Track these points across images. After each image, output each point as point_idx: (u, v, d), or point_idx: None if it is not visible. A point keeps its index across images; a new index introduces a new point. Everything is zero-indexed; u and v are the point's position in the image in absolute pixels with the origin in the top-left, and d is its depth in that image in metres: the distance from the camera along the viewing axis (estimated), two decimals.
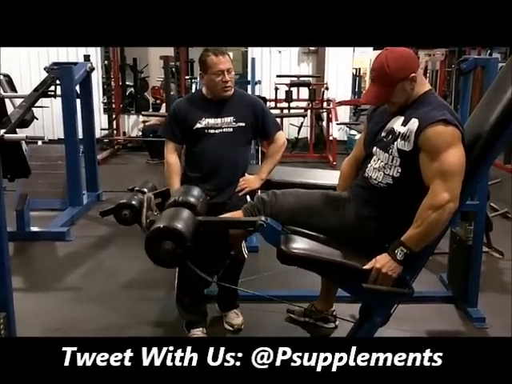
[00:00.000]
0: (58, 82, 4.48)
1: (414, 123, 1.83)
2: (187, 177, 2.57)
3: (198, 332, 2.58)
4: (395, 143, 1.88)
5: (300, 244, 1.90)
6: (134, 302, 3.04)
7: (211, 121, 2.48)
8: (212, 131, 2.48)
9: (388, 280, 1.82)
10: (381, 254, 1.84)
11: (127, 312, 2.91)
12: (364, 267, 1.83)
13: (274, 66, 8.32)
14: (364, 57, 11.59)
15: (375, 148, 1.98)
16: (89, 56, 5.98)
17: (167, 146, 2.57)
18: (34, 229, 4.08)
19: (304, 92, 7.36)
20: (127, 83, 8.86)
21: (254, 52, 8.24)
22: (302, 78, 7.51)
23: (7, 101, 4.78)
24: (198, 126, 2.48)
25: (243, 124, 2.50)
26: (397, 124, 1.90)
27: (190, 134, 2.51)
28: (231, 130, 2.49)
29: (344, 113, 8.39)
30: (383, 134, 1.94)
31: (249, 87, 6.99)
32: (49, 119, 7.07)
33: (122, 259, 3.71)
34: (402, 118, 1.89)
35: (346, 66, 8.55)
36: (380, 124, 1.99)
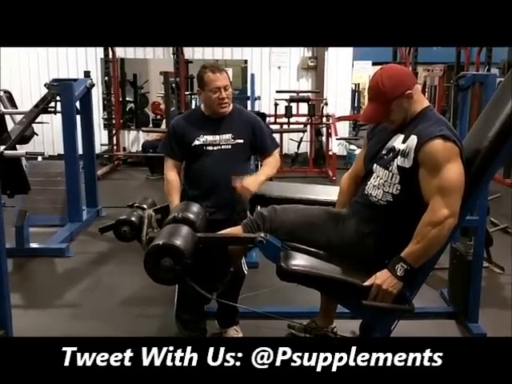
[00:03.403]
0: (58, 98, 4.50)
1: (413, 140, 1.84)
2: (187, 194, 2.57)
3: None
4: (395, 160, 1.89)
5: (299, 261, 1.90)
6: (133, 319, 3.02)
7: (209, 138, 2.49)
8: (210, 148, 2.49)
9: (388, 296, 1.81)
10: (381, 270, 1.84)
11: (126, 329, 2.88)
12: (364, 284, 1.82)
13: (273, 82, 8.37)
14: (363, 72, 11.69)
15: (375, 165, 1.99)
16: (89, 72, 6.02)
17: (166, 162, 2.59)
18: (34, 245, 4.07)
19: (303, 107, 7.41)
20: (127, 99, 8.91)
21: (253, 68, 8.30)
22: (301, 94, 7.56)
23: (8, 117, 4.82)
24: (197, 143, 2.48)
25: (242, 141, 2.51)
26: (397, 142, 1.91)
27: (188, 151, 2.52)
28: (230, 146, 2.50)
29: (343, 128, 8.42)
30: (384, 152, 1.95)
31: (248, 103, 7.03)
32: (49, 135, 7.09)
33: (122, 275, 3.69)
34: (402, 136, 1.90)
35: (345, 81, 8.61)
36: (381, 142, 2.00)
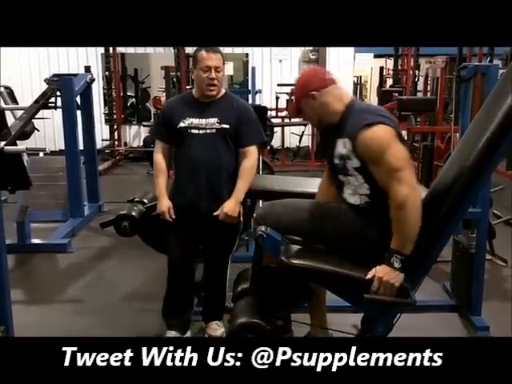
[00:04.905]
0: (58, 93, 4.49)
1: (347, 143, 1.88)
2: (175, 178, 2.56)
3: (171, 334, 2.61)
4: (347, 165, 1.92)
5: (300, 255, 1.88)
6: (136, 314, 3.02)
7: (195, 120, 2.43)
8: (195, 131, 2.43)
9: (391, 288, 1.81)
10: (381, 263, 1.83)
11: (128, 324, 2.89)
12: (366, 277, 1.81)
13: (274, 75, 8.34)
14: (365, 65, 11.63)
15: (340, 176, 2.01)
16: (89, 67, 6.01)
17: (156, 145, 2.56)
18: (35, 241, 4.08)
19: None
20: (128, 94, 8.90)
21: (254, 61, 8.27)
22: None
23: (9, 112, 4.81)
24: (182, 125, 2.44)
25: (227, 126, 2.44)
26: (341, 147, 1.93)
27: (174, 133, 2.47)
28: (214, 131, 2.43)
29: None
30: (337, 161, 1.97)
31: (249, 96, 7.00)
32: (50, 131, 7.10)
33: (123, 270, 3.69)
34: (342, 140, 1.91)
35: (347, 74, 8.56)
36: (331, 151, 2.00)
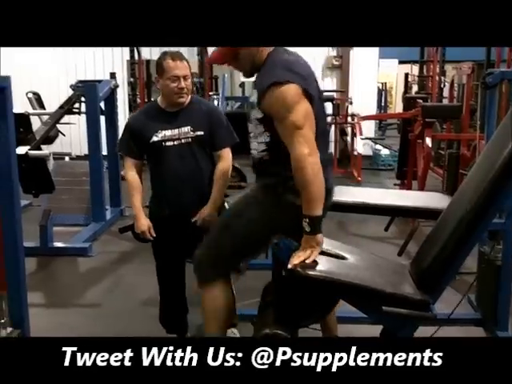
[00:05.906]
0: (83, 99, 4.56)
1: (255, 94, 1.98)
2: (153, 195, 2.53)
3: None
4: (252, 113, 1.99)
5: (317, 265, 1.84)
6: (153, 319, 3.01)
7: (168, 132, 2.37)
8: (170, 143, 2.38)
9: (309, 254, 1.81)
10: None
11: (146, 329, 2.87)
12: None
13: None
14: (390, 71, 11.52)
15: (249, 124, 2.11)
16: (115, 73, 6.07)
17: (126, 162, 2.50)
18: (57, 244, 4.13)
19: (328, 107, 7.33)
20: (153, 100, 8.97)
21: None
22: (325, 93, 7.48)
23: (36, 118, 4.91)
24: (155, 139, 2.37)
25: (202, 132, 2.39)
26: (254, 96, 2.00)
27: (147, 149, 2.42)
28: (190, 140, 2.38)
29: (369, 127, 8.31)
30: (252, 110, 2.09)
31: None
32: (76, 136, 7.19)
33: (143, 275, 3.69)
34: (254, 91, 2.02)
35: (371, 80, 8.49)
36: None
